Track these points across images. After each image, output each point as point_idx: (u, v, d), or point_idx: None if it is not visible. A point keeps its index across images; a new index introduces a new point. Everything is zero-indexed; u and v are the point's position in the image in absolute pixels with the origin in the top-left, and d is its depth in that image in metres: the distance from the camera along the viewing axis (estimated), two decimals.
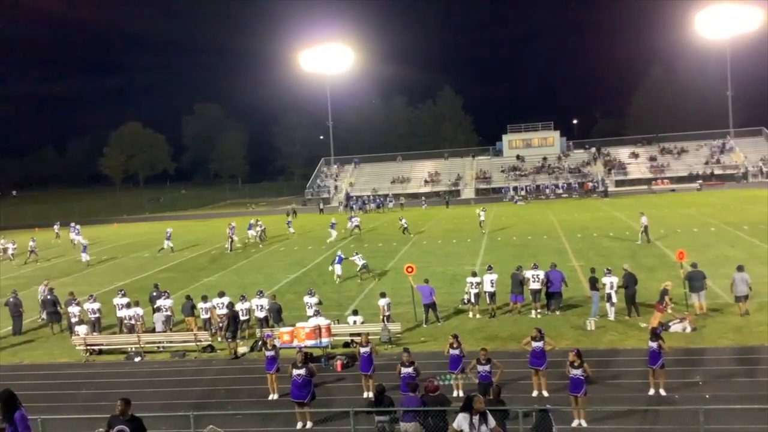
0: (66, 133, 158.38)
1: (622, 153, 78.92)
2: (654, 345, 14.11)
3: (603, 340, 18.24)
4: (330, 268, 29.76)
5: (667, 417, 12.94)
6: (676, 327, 18.42)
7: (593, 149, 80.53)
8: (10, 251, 42.68)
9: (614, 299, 20.14)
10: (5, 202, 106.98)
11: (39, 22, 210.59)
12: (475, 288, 21.58)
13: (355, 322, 19.71)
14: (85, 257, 38.06)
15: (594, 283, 20.54)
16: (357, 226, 43.91)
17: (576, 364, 12.96)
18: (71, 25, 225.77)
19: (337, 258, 29.44)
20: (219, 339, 20.33)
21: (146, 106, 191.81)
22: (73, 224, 50.70)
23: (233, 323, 19.32)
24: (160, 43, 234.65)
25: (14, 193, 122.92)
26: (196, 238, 47.46)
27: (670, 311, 19.07)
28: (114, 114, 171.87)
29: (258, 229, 42.90)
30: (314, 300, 20.63)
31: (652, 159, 76.27)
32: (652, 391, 14.20)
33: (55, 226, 53.80)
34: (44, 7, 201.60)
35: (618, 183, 73.28)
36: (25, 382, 17.30)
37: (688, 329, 18.39)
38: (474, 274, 22.20)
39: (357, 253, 29.89)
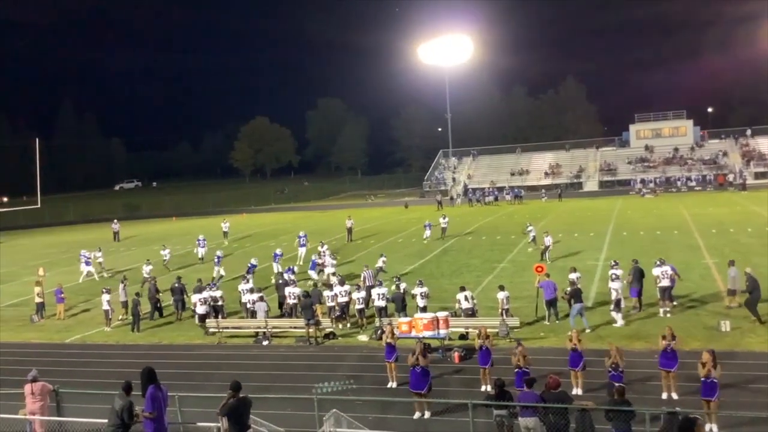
0: (201, 128, 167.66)
1: (763, 143, 73.20)
2: None
3: (739, 342, 17.14)
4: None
5: None
6: None
7: (730, 139, 75.27)
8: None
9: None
10: (147, 192, 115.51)
11: (178, 24, 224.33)
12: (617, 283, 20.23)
13: (465, 298, 19.68)
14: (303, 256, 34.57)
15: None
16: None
17: (709, 366, 12.28)
18: (205, 29, 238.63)
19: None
20: (340, 326, 21.04)
21: (273, 101, 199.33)
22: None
23: (308, 311, 19.84)
24: (286, 41, 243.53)
25: (154, 184, 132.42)
26: (318, 229, 48.93)
27: None
28: (244, 109, 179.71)
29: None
30: (422, 291, 20.72)
31: None
32: None
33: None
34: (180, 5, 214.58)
35: (758, 175, 68.10)
36: (163, 361, 18.61)
37: None
38: (615, 264, 21.31)
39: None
